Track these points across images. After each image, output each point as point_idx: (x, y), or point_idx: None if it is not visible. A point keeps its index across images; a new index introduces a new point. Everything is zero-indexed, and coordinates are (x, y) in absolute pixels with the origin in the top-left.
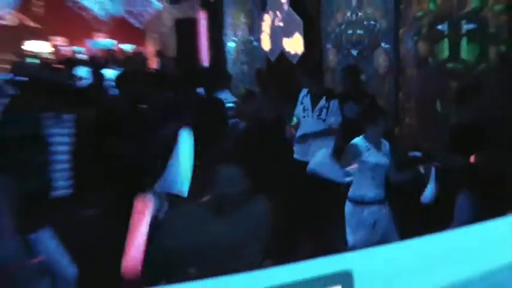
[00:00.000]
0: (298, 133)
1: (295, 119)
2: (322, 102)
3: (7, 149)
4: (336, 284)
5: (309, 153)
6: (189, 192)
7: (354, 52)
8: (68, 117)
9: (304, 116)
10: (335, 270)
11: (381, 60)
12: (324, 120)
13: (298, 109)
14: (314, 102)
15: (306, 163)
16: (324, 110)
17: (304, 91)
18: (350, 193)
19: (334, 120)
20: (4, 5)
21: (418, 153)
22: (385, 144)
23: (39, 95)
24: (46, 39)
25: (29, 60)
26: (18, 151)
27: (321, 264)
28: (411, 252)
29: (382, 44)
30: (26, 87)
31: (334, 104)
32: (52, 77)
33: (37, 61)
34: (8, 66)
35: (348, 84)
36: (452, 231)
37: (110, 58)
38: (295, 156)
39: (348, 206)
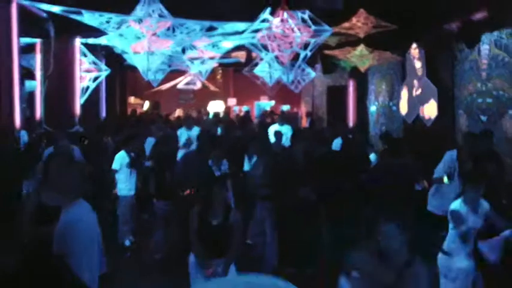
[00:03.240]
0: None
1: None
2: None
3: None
4: None
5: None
6: None
7: (484, 118)
8: None
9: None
10: None
11: (508, 125)
12: None
13: (444, 168)
14: (462, 167)
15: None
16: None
17: (454, 154)
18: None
19: None
20: (201, 75)
21: None
22: (482, 204)
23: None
24: (223, 100)
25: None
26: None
27: None
28: None
29: (510, 111)
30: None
31: None
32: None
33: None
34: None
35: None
36: None
37: (269, 116)
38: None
39: (441, 258)
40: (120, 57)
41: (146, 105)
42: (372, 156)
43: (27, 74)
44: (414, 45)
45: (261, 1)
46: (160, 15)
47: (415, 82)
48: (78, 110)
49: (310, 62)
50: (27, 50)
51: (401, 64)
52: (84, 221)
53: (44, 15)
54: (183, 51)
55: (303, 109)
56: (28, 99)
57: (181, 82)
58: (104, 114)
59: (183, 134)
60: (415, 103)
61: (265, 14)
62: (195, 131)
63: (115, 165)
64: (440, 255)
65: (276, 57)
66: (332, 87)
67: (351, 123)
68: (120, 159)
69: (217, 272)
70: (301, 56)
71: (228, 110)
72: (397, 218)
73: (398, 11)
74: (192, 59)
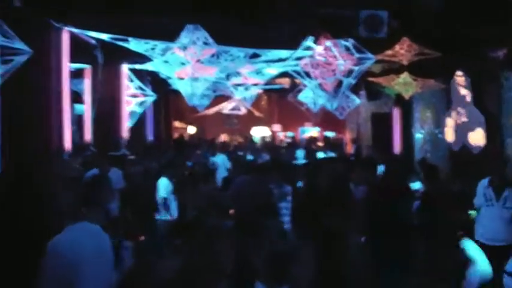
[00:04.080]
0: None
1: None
2: (506, 192)
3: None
4: None
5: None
6: None
7: None
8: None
9: (487, 205)
10: None
11: None
12: (508, 209)
13: (479, 199)
14: (497, 192)
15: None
16: (510, 200)
17: (485, 182)
18: (508, 268)
19: None
20: (246, 101)
21: None
22: None
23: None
24: (267, 125)
25: (253, 141)
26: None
27: None
28: None
29: None
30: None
31: None
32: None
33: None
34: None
35: None
36: None
37: (314, 142)
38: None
39: (507, 280)
40: (166, 82)
41: (190, 129)
42: (417, 184)
43: (76, 97)
44: (459, 73)
45: (304, 29)
46: (205, 43)
47: (461, 110)
48: (125, 133)
49: (355, 88)
50: (76, 75)
51: (446, 91)
52: (58, 245)
53: (93, 42)
54: (227, 77)
55: (348, 136)
56: (78, 122)
57: (226, 107)
58: (150, 137)
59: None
60: (461, 131)
61: (308, 42)
62: (219, 157)
63: (163, 193)
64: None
65: (320, 85)
66: (376, 114)
67: (396, 150)
68: (165, 186)
69: None
70: (345, 83)
71: (274, 135)
72: None
73: (442, 38)
74: (236, 85)
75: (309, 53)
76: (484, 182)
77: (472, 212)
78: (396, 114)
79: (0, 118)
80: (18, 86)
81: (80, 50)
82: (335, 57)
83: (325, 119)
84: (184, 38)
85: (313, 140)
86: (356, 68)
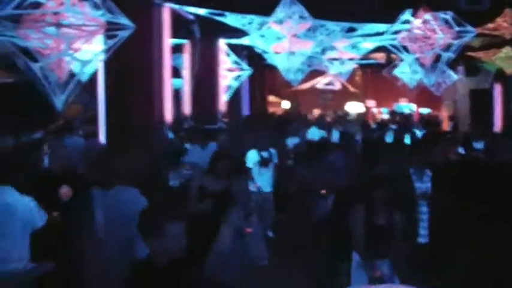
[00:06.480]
0: None
1: None
2: None
3: None
4: None
5: None
6: None
7: None
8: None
9: None
10: None
11: None
12: None
13: None
14: None
15: None
16: None
17: None
18: None
19: None
20: (341, 76)
21: None
22: None
23: None
24: (361, 101)
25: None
26: None
27: None
28: None
29: None
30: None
31: None
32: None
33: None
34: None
35: None
36: None
37: (410, 120)
38: None
39: None
40: (261, 57)
41: (284, 104)
42: None
43: (174, 72)
44: None
45: (401, 2)
46: (301, 17)
47: None
48: (222, 107)
49: (452, 63)
50: (174, 50)
51: None
52: None
53: (191, 17)
54: (323, 51)
55: (444, 113)
56: (174, 96)
57: (320, 82)
58: (245, 112)
59: (315, 133)
60: None
61: (406, 15)
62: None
63: (249, 164)
64: None
65: (417, 59)
66: (475, 90)
67: (496, 128)
68: (252, 157)
69: (385, 275)
70: (443, 57)
71: (368, 111)
72: None
73: None
74: (331, 60)
75: (406, 26)
76: None
77: None
78: (497, 90)
79: (105, 92)
80: (122, 60)
81: (178, 25)
82: (434, 30)
83: (421, 95)
84: (280, 12)
85: (408, 116)
86: (455, 41)
